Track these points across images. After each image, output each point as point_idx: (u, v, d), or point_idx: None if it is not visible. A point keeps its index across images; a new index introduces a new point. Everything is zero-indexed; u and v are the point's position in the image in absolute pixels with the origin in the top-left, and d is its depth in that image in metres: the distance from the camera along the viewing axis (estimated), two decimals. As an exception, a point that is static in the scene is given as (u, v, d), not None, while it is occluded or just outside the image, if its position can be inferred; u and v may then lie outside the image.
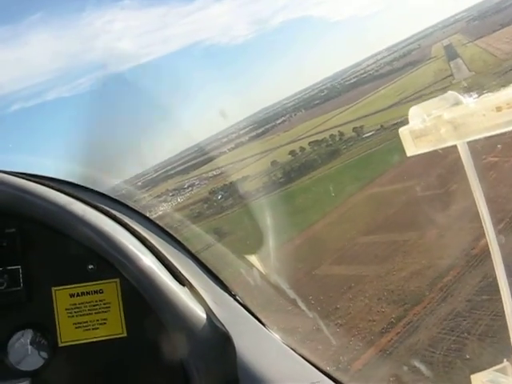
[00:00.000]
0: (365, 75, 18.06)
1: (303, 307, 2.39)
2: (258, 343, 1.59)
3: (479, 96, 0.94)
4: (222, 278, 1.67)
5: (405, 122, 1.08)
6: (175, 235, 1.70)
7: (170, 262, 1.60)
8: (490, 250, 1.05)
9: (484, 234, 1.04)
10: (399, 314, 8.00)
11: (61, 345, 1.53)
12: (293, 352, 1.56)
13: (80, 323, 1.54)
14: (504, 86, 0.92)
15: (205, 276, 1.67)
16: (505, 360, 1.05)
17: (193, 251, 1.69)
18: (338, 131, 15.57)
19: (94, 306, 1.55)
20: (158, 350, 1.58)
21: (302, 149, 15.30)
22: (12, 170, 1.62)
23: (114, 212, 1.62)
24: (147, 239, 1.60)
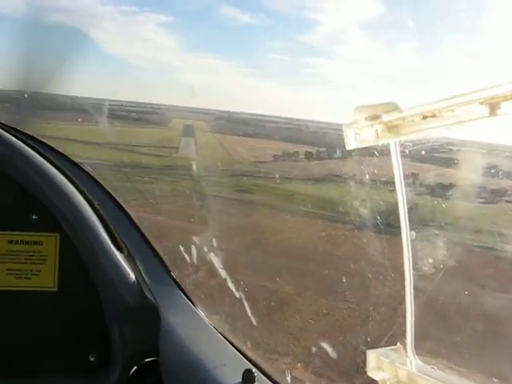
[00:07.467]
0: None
1: (233, 288, 2.46)
2: (183, 318, 1.65)
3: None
4: (159, 253, 1.74)
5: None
6: (122, 204, 1.75)
7: (112, 227, 1.66)
8: (403, 245, 1.20)
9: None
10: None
11: None
12: (215, 331, 1.63)
13: (13, 270, 1.56)
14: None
15: (143, 247, 1.72)
16: (398, 343, 1.24)
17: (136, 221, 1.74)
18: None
19: (30, 256, 1.58)
20: (85, 310, 1.61)
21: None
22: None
23: (65, 169, 1.66)
24: (94, 202, 1.65)
